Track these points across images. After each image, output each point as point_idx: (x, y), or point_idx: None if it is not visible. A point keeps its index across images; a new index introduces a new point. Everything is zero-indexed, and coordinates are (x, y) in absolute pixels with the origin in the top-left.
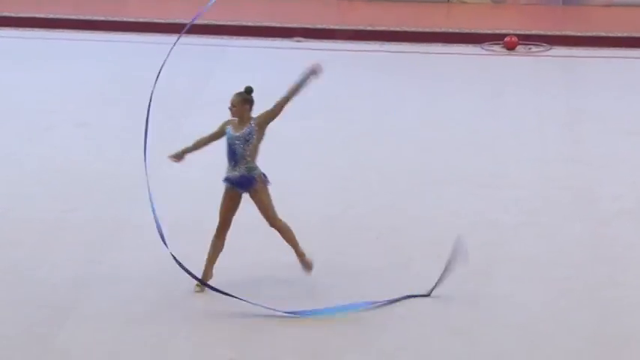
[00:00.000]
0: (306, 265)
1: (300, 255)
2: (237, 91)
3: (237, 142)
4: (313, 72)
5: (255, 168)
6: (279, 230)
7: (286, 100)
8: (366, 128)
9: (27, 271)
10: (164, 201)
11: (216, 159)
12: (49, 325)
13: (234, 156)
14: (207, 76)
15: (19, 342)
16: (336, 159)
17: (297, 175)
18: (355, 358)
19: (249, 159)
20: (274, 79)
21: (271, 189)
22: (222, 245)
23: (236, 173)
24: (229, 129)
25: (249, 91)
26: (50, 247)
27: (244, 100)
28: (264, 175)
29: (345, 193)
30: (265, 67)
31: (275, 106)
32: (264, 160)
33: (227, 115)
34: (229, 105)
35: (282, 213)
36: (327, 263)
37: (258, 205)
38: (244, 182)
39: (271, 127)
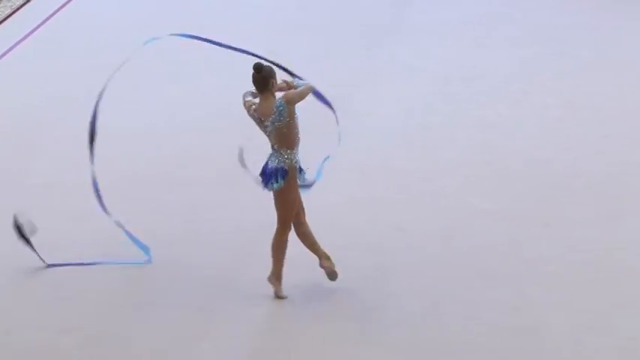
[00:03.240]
0: (331, 273)
1: (324, 259)
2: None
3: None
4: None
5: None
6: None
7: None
8: (583, 63)
9: (210, 212)
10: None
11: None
12: (232, 269)
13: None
14: (406, 2)
15: (200, 286)
16: (548, 96)
17: (503, 113)
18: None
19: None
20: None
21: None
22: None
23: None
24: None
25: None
26: (235, 186)
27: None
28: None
29: (555, 136)
30: None
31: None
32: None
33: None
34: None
35: (485, 155)
36: (532, 212)
37: None
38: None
39: (478, 56)
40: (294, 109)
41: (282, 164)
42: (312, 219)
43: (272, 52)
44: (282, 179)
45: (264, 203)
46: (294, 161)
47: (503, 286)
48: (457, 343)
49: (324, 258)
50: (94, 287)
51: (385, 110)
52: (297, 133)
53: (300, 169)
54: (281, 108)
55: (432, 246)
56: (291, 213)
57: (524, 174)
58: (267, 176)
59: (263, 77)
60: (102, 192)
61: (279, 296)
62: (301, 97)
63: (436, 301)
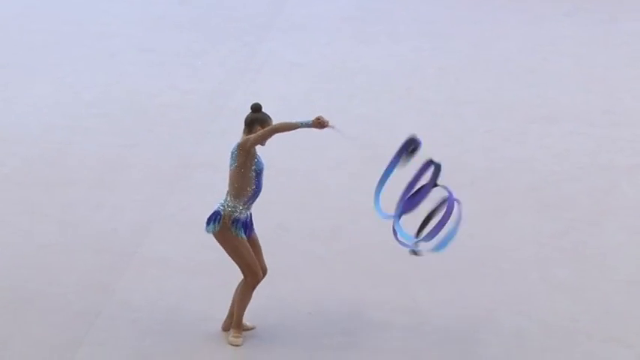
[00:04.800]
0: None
1: (235, 327)
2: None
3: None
4: (317, 125)
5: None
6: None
7: (275, 132)
8: (462, 58)
9: (85, 214)
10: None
11: None
12: (109, 272)
13: None
14: None
15: (77, 290)
16: (428, 92)
17: (385, 109)
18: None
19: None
20: (358, 4)
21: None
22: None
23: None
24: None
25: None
26: (110, 186)
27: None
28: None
29: (436, 131)
30: None
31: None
32: (351, 92)
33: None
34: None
35: (368, 152)
36: (416, 209)
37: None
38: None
39: (358, 52)
40: (247, 158)
41: (221, 208)
42: (190, 220)
43: (148, 49)
44: (213, 224)
45: (140, 205)
46: (232, 210)
47: (389, 284)
48: (344, 343)
49: (234, 328)
50: None
51: (265, 108)
52: (246, 186)
53: (236, 222)
54: (233, 150)
55: (316, 245)
56: (245, 257)
57: (407, 171)
58: (208, 217)
59: (252, 118)
60: None
61: (235, 344)
62: (255, 141)
63: (322, 301)
